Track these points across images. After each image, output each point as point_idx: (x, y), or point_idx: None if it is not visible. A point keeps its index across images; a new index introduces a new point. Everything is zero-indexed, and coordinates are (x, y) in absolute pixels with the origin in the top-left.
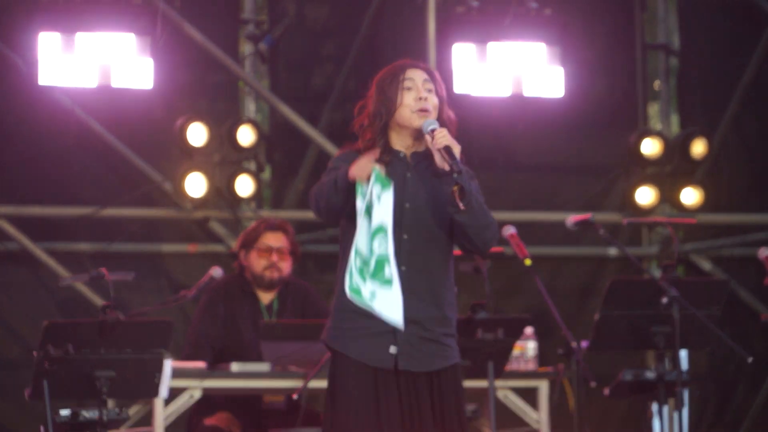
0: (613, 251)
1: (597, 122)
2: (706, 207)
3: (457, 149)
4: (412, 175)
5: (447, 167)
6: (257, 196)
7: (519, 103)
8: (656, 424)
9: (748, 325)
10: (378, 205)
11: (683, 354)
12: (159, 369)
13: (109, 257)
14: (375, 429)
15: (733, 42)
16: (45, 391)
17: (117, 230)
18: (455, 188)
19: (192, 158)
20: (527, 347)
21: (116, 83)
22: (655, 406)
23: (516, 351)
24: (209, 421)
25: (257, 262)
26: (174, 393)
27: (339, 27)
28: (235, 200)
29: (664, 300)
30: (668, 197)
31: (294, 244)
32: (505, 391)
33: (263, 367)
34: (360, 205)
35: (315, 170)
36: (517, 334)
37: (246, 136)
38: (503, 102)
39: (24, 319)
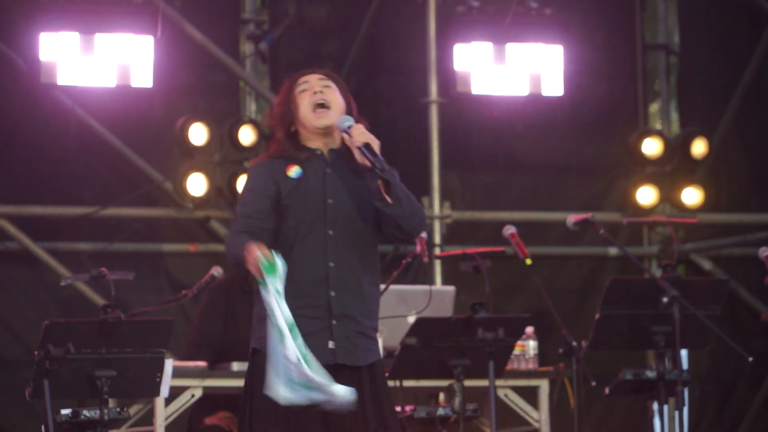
0: (613, 251)
1: (597, 122)
2: (706, 206)
3: (376, 144)
4: (332, 171)
5: (368, 164)
6: None
7: (519, 102)
8: (657, 423)
9: (748, 324)
10: (280, 302)
11: (683, 353)
12: (160, 368)
13: (109, 257)
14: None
15: (733, 42)
16: (46, 391)
17: (118, 230)
18: (380, 182)
19: (193, 158)
20: (528, 346)
21: (117, 83)
22: (655, 406)
23: (516, 350)
24: (210, 421)
25: None
26: (175, 392)
27: (339, 27)
28: (236, 199)
29: (665, 299)
30: (668, 197)
31: None
32: (505, 390)
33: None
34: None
35: None
36: (517, 333)
37: (247, 135)
38: (503, 101)
39: (24, 318)
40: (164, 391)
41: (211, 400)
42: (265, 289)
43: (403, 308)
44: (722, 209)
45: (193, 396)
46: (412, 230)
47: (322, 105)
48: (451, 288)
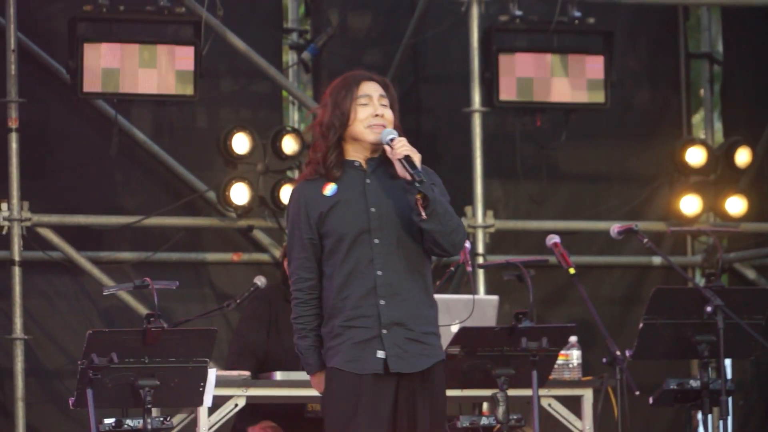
0: (657, 260)
1: (641, 131)
2: (750, 216)
3: (417, 157)
4: (372, 181)
5: (408, 177)
6: None
7: (563, 112)
8: None
9: None
10: None
11: (727, 363)
12: (203, 378)
13: (152, 266)
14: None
15: None
16: (89, 400)
17: (161, 239)
18: (418, 197)
19: (236, 167)
20: (571, 356)
21: (159, 92)
22: (699, 415)
23: (560, 360)
24: (253, 430)
25: None
26: (218, 402)
27: (382, 36)
28: (279, 209)
29: (708, 309)
30: (712, 206)
31: None
32: (549, 399)
33: (307, 375)
34: None
35: None
36: (561, 342)
37: (289, 145)
38: (547, 111)
39: (68, 328)
40: (207, 400)
41: (254, 410)
42: None
43: (446, 317)
44: (766, 218)
45: (236, 405)
46: (450, 247)
47: (379, 126)
48: (494, 297)
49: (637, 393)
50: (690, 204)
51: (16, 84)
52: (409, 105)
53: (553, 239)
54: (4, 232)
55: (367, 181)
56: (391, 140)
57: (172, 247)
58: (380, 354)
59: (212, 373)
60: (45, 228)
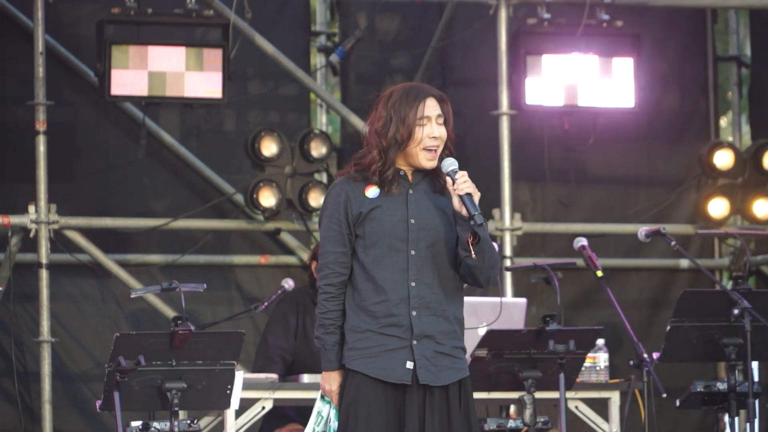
0: (684, 263)
1: (668, 134)
2: None
3: (477, 196)
4: (414, 192)
5: (465, 213)
6: None
7: (591, 115)
8: None
9: None
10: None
11: (754, 365)
12: (230, 380)
13: (180, 269)
14: None
15: None
16: (116, 403)
17: (188, 242)
18: (470, 235)
19: (263, 170)
20: (599, 359)
21: (188, 95)
22: (726, 418)
23: (587, 362)
24: None
25: None
26: (245, 404)
27: (410, 39)
28: (307, 212)
29: (736, 311)
30: (739, 209)
31: None
32: (576, 402)
33: None
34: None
35: None
36: (588, 345)
37: (317, 147)
38: (575, 114)
39: (95, 330)
40: (235, 403)
41: (281, 413)
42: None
43: (474, 320)
44: None
45: (263, 408)
46: (484, 281)
47: (433, 149)
48: (522, 300)
49: (665, 395)
50: (717, 207)
51: (44, 87)
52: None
53: (581, 242)
54: (31, 235)
55: (410, 191)
56: (453, 172)
57: (199, 249)
58: (409, 364)
59: (239, 376)
60: (72, 231)
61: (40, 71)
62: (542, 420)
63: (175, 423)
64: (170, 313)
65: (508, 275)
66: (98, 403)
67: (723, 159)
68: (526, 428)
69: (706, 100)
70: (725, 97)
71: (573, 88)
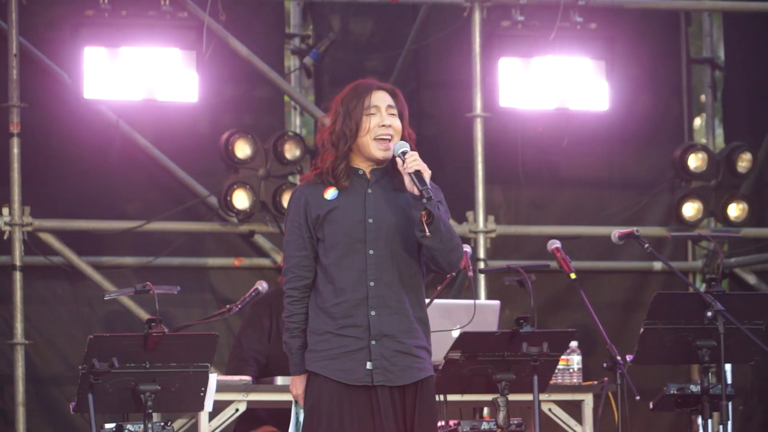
0: (657, 265)
1: (642, 136)
2: (750, 221)
3: (427, 174)
4: (373, 191)
5: (417, 192)
6: None
7: (564, 117)
8: None
9: None
10: None
11: (728, 368)
12: (204, 382)
13: (154, 271)
14: None
15: None
16: (90, 405)
17: (162, 244)
18: (423, 213)
19: (237, 172)
20: (572, 361)
21: (161, 97)
22: (699, 420)
23: (561, 365)
24: None
25: None
26: (219, 406)
27: (384, 41)
28: (281, 214)
29: (709, 314)
30: (713, 211)
31: None
32: (549, 404)
33: None
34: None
35: None
36: (562, 347)
37: (291, 150)
38: (548, 116)
39: (68, 332)
40: (208, 405)
41: (255, 415)
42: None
43: (447, 322)
44: (767, 223)
45: (237, 410)
46: (447, 266)
47: (386, 138)
48: (495, 302)
49: (638, 398)
50: (691, 209)
51: (17, 89)
52: (410, 110)
53: (554, 244)
54: (5, 237)
55: (369, 191)
56: (403, 153)
57: (173, 251)
58: (369, 365)
59: (213, 378)
60: (46, 233)
61: (14, 73)
62: (516, 422)
63: (149, 425)
64: (144, 315)
65: (481, 277)
66: (72, 405)
67: (696, 161)
68: (500, 430)
69: (680, 102)
70: (699, 100)
71: (547, 90)
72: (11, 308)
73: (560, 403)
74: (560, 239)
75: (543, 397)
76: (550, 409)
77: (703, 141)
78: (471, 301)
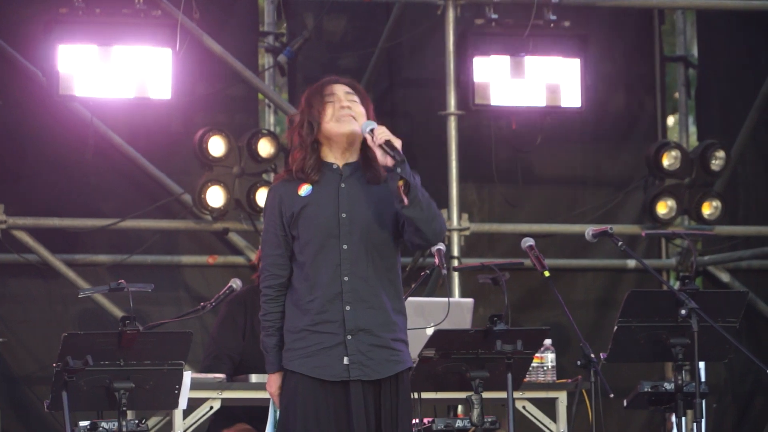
0: (631, 263)
1: (616, 134)
2: (724, 219)
3: (398, 143)
4: (347, 185)
5: (390, 162)
6: None
7: (538, 115)
8: None
9: (766, 336)
10: None
11: (701, 366)
12: (178, 380)
13: (128, 269)
14: None
15: (751, 53)
16: (64, 403)
17: (136, 242)
18: (400, 183)
19: (211, 170)
20: (546, 359)
21: (135, 95)
22: (673, 418)
23: (535, 362)
24: None
25: None
26: (193, 404)
27: (357, 40)
28: (255, 212)
29: (683, 312)
30: (687, 209)
31: None
32: (523, 402)
33: None
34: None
35: None
36: (536, 345)
37: (265, 148)
38: (522, 114)
39: (42, 330)
40: (183, 403)
41: (229, 412)
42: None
43: (421, 320)
44: (740, 221)
45: (211, 408)
46: (431, 235)
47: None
48: (469, 300)
49: (612, 395)
50: (664, 207)
51: None
52: (384, 109)
53: (528, 242)
54: None
55: (342, 185)
56: (371, 130)
57: (147, 249)
58: (346, 360)
59: (187, 376)
60: (20, 231)
61: None
62: (490, 420)
63: (123, 423)
64: (118, 313)
65: (455, 275)
66: (46, 403)
67: (670, 159)
68: (474, 428)
69: (653, 100)
70: (672, 98)
71: (520, 88)
72: None
73: (534, 401)
74: (534, 237)
75: (517, 395)
76: (524, 407)
77: (677, 139)
78: (445, 299)
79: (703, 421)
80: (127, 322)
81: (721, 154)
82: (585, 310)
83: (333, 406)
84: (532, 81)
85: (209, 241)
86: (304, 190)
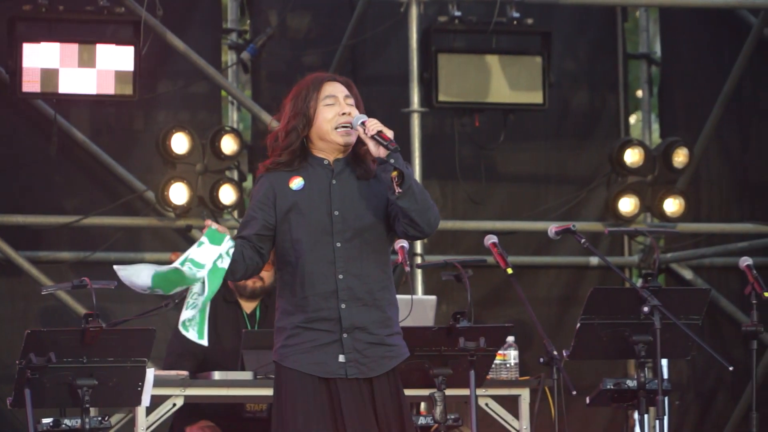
0: (594, 260)
1: (578, 132)
2: (686, 216)
3: (390, 133)
4: (338, 182)
5: (383, 153)
6: (239, 205)
7: (501, 112)
8: None
9: (728, 334)
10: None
11: (664, 363)
12: (141, 377)
13: (91, 266)
14: None
15: (714, 51)
16: (27, 400)
17: (99, 239)
18: (393, 174)
19: (174, 167)
20: (509, 356)
21: (99, 92)
22: (636, 415)
23: (497, 360)
24: (191, 430)
25: None
26: (156, 401)
27: (321, 36)
28: (218, 209)
29: (645, 309)
30: (649, 206)
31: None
32: (486, 399)
33: (245, 375)
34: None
35: None
36: (499, 342)
37: (228, 145)
38: (485, 111)
39: (5, 327)
40: (146, 400)
41: (192, 409)
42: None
43: None
44: (703, 219)
45: (174, 405)
46: (426, 226)
47: (348, 126)
48: (432, 297)
49: (574, 393)
50: (627, 204)
51: None
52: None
53: (491, 239)
54: None
55: (334, 182)
56: (363, 122)
57: (110, 246)
58: (342, 358)
59: (150, 373)
60: None
61: None
62: (453, 417)
63: (86, 420)
64: (81, 310)
65: (418, 273)
66: (9, 400)
67: (633, 156)
68: (437, 425)
69: (616, 97)
70: (635, 95)
71: (484, 85)
72: None
73: (497, 398)
74: (497, 234)
75: (480, 392)
76: (486, 404)
77: (640, 136)
78: (408, 296)
79: (666, 418)
80: (90, 319)
81: (683, 151)
82: (548, 308)
83: (329, 402)
84: (496, 78)
85: (172, 238)
86: (296, 183)
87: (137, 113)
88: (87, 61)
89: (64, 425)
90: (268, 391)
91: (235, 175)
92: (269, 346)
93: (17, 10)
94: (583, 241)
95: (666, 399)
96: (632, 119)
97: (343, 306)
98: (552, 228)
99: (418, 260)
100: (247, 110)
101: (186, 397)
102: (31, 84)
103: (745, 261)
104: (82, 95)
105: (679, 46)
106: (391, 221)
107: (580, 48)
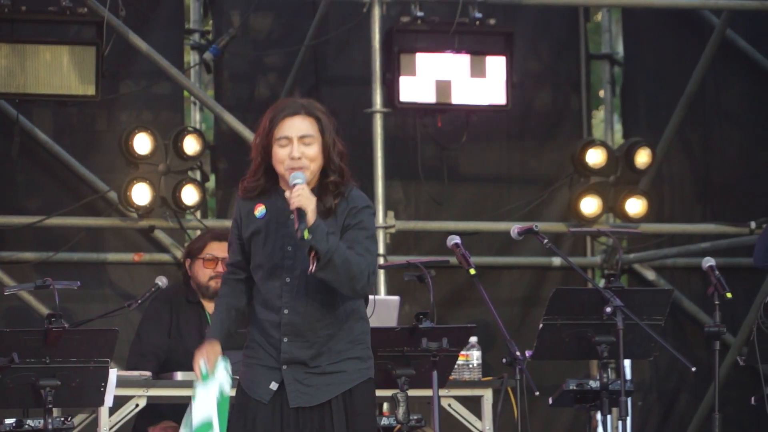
0: (556, 260)
1: (541, 132)
2: (649, 217)
3: (310, 208)
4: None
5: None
6: (202, 206)
7: (463, 112)
8: None
9: (691, 334)
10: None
11: (627, 363)
12: (104, 378)
13: (54, 266)
14: None
15: (676, 52)
16: None
17: (62, 239)
18: (311, 251)
19: (137, 167)
20: (471, 356)
21: (61, 92)
22: (598, 416)
23: (460, 360)
24: (154, 430)
25: (202, 272)
26: (119, 402)
27: (283, 37)
28: (180, 209)
29: (608, 309)
30: (612, 207)
31: None
32: (449, 400)
33: None
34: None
35: None
36: (461, 343)
37: (191, 145)
38: (447, 112)
39: None
40: (108, 400)
41: (155, 410)
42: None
43: None
44: (665, 219)
45: (137, 405)
46: (350, 292)
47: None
48: (395, 298)
49: (537, 393)
50: (590, 205)
51: None
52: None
53: (454, 240)
54: None
55: (292, 216)
56: (293, 186)
57: (73, 247)
58: (273, 386)
59: (113, 373)
60: None
61: None
62: (415, 418)
63: (49, 420)
64: (44, 310)
65: (381, 273)
66: None
67: (595, 157)
68: (399, 426)
69: (579, 98)
70: (598, 95)
71: (446, 85)
72: None
73: (460, 399)
74: (460, 235)
75: (443, 392)
76: (449, 405)
77: (602, 137)
78: (371, 297)
79: (629, 418)
80: (53, 319)
81: (646, 151)
82: (510, 308)
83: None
84: (458, 78)
85: (135, 238)
86: (259, 211)
87: (100, 113)
88: (49, 61)
89: (27, 426)
90: (231, 392)
91: (198, 176)
92: (232, 347)
93: None
94: (545, 241)
95: (629, 399)
96: (595, 119)
97: (285, 340)
98: (515, 228)
99: (381, 261)
100: (209, 110)
101: (149, 397)
102: None
103: (708, 261)
104: (45, 95)
105: (641, 46)
106: None
107: (542, 48)
